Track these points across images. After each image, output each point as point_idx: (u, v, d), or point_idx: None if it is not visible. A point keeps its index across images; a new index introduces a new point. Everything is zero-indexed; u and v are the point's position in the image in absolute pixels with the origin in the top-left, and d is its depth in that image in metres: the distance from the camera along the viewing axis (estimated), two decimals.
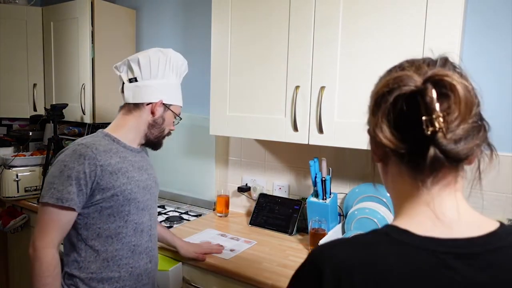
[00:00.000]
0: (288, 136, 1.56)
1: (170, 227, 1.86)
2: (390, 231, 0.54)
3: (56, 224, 1.09)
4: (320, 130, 1.47)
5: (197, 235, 1.74)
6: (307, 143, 1.51)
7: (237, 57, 1.67)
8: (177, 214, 2.08)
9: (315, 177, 1.65)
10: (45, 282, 1.07)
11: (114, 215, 1.15)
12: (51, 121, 2.33)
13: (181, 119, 1.31)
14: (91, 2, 2.23)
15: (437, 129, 0.47)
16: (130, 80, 1.22)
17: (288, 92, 1.54)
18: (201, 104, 2.22)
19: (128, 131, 1.23)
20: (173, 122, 1.29)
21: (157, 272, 1.36)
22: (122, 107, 1.27)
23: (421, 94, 0.49)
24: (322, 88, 1.45)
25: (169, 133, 1.30)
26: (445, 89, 0.48)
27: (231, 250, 1.57)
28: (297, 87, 1.51)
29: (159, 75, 1.22)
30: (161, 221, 1.94)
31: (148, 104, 1.22)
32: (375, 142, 0.56)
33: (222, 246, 1.58)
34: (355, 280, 0.50)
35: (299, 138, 1.53)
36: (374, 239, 0.55)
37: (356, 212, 1.56)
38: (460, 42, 1.23)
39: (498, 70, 1.45)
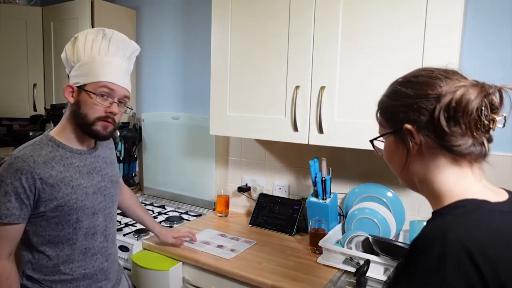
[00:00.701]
0: (288, 136, 1.56)
1: (170, 227, 1.86)
2: (479, 204, 0.62)
3: (2, 239, 1.05)
4: (320, 130, 1.47)
5: (197, 235, 1.74)
6: (307, 143, 1.51)
7: (237, 57, 1.67)
8: (177, 214, 2.08)
9: (315, 177, 1.65)
10: None
11: (62, 224, 1.11)
12: (51, 121, 2.33)
13: (103, 95, 1.09)
14: (91, 2, 2.22)
15: (494, 128, 0.64)
16: (68, 77, 1.15)
17: (288, 92, 1.54)
18: (201, 104, 2.22)
19: (68, 131, 1.14)
20: (98, 103, 1.08)
21: (117, 267, 1.32)
22: None
23: (491, 102, 0.63)
24: (322, 88, 1.45)
25: (105, 118, 1.10)
26: (501, 98, 0.64)
27: (232, 250, 1.57)
28: (297, 87, 1.51)
29: (68, 63, 1.14)
30: (161, 221, 1.94)
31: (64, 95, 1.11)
32: (442, 137, 0.64)
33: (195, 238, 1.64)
34: (492, 254, 0.56)
35: (299, 138, 1.53)
36: (482, 214, 0.61)
37: (356, 212, 1.56)
38: (460, 42, 1.23)
39: (498, 70, 1.45)
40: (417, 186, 0.73)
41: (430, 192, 0.70)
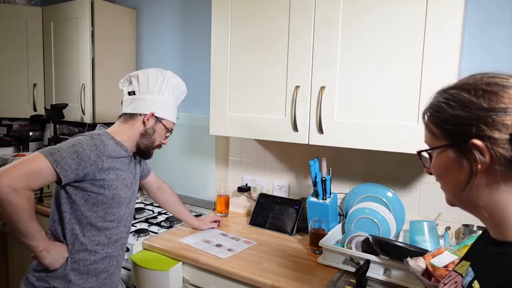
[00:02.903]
0: (288, 136, 1.56)
1: (171, 227, 1.86)
2: None
3: (42, 177, 1.14)
4: (320, 130, 1.47)
5: (197, 235, 1.74)
6: (307, 143, 1.51)
7: (237, 57, 1.67)
8: None
9: (315, 177, 1.65)
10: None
11: (97, 205, 1.27)
12: (51, 121, 2.33)
13: (171, 133, 1.42)
14: (91, 2, 2.23)
15: None
16: (129, 93, 1.36)
17: (288, 92, 1.54)
18: (201, 104, 2.22)
19: (124, 138, 1.34)
20: (165, 135, 1.40)
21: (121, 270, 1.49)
22: (119, 117, 1.39)
23: None
24: (322, 88, 1.45)
25: (159, 146, 1.41)
26: None
27: (229, 250, 1.57)
28: (297, 87, 1.51)
29: (155, 91, 1.34)
30: (161, 221, 1.94)
31: (141, 115, 1.34)
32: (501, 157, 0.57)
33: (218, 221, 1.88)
34: None
35: (299, 138, 1.53)
36: None
37: (356, 212, 1.56)
38: (460, 39, 1.23)
39: (499, 68, 1.45)
40: (479, 211, 0.62)
41: (500, 219, 0.60)
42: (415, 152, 0.73)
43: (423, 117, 0.69)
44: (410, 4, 1.27)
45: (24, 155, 2.37)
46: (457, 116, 0.60)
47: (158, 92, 1.35)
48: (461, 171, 0.61)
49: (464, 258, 0.73)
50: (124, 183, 1.33)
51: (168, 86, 1.36)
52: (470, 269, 0.66)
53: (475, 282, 0.62)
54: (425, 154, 0.68)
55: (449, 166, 0.63)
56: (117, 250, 1.37)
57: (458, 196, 0.64)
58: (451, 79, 1.23)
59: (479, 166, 0.58)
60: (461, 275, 0.68)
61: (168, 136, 1.42)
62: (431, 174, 0.69)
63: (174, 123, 1.41)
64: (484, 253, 0.66)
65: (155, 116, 1.34)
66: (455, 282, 0.69)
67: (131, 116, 1.35)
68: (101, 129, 1.35)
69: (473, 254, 0.71)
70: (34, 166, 1.13)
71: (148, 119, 1.33)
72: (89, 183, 1.23)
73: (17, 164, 1.12)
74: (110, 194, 1.28)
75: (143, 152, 1.38)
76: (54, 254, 1.23)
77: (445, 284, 0.71)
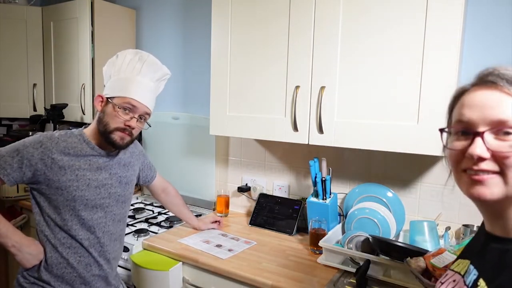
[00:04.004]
0: (288, 136, 1.55)
1: (171, 227, 1.86)
2: None
3: None
4: (320, 130, 1.47)
5: (198, 235, 1.74)
6: (307, 143, 1.51)
7: (237, 57, 1.67)
8: None
9: (315, 177, 1.65)
10: None
11: (59, 208, 1.21)
12: (51, 121, 2.33)
13: (125, 109, 1.21)
14: (91, 2, 2.22)
15: None
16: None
17: (288, 92, 1.54)
18: (201, 104, 2.22)
19: (89, 133, 1.27)
20: (123, 117, 1.20)
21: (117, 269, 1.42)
22: None
23: None
24: (322, 88, 1.45)
25: (124, 130, 1.22)
26: None
27: (229, 250, 1.57)
28: (297, 87, 1.51)
29: (113, 75, 1.26)
30: (161, 221, 1.94)
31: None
32: None
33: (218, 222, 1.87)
34: None
35: (299, 138, 1.53)
36: None
37: (356, 212, 1.56)
38: (460, 39, 1.23)
39: None
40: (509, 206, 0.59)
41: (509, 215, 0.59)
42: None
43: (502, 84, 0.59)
44: (410, 4, 1.27)
45: None
46: None
47: (115, 74, 1.24)
48: None
49: (461, 256, 0.72)
50: (89, 183, 1.23)
51: (124, 64, 1.24)
52: (471, 267, 0.65)
53: (481, 280, 0.61)
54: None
55: None
56: (93, 257, 1.27)
57: None
58: (452, 79, 1.23)
59: None
60: (459, 273, 0.68)
61: (132, 116, 1.22)
62: (481, 160, 0.57)
63: (133, 99, 1.21)
64: (486, 251, 0.64)
65: (106, 98, 1.22)
66: (454, 281, 0.68)
67: (97, 111, 1.28)
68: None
69: (471, 252, 0.70)
70: None
71: (97, 103, 1.24)
72: (45, 185, 1.19)
73: None
74: (70, 196, 1.20)
75: (105, 140, 1.23)
76: (25, 253, 1.20)
77: (442, 283, 0.70)
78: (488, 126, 0.57)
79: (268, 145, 2.01)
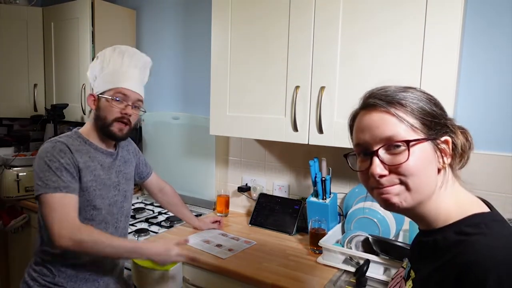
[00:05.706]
0: (288, 136, 1.56)
1: (171, 226, 1.86)
2: (494, 217, 0.62)
3: (67, 207, 1.15)
4: (320, 130, 1.47)
5: (198, 234, 1.74)
6: (307, 143, 1.51)
7: (237, 57, 1.67)
8: None
9: (315, 177, 1.65)
10: (104, 241, 1.16)
11: (81, 208, 1.22)
12: (51, 121, 2.34)
13: (118, 100, 1.25)
14: (92, 2, 2.23)
15: None
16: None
17: (288, 92, 1.54)
18: (201, 104, 2.22)
19: (93, 132, 1.30)
20: (118, 106, 1.25)
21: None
22: None
23: None
24: (322, 88, 1.45)
25: (121, 119, 1.26)
26: None
27: (229, 250, 1.58)
28: (297, 87, 1.51)
29: (97, 74, 1.29)
30: (161, 221, 1.95)
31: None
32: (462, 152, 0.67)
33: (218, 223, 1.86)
34: None
35: (299, 138, 1.53)
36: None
37: (356, 212, 1.56)
38: (460, 41, 1.23)
39: (498, 69, 1.45)
40: (426, 208, 0.65)
41: (435, 213, 0.65)
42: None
43: (389, 106, 0.66)
44: (410, 5, 1.27)
45: (24, 155, 2.38)
46: (434, 112, 0.65)
47: (100, 72, 1.28)
48: (433, 167, 0.64)
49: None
50: (105, 183, 1.29)
51: (106, 60, 1.28)
52: (407, 261, 0.77)
53: (411, 271, 0.71)
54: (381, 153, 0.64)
55: (427, 160, 0.63)
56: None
57: (429, 194, 0.64)
58: (451, 79, 1.23)
59: (444, 163, 0.64)
60: (404, 268, 0.79)
61: (127, 104, 1.26)
62: (382, 177, 0.64)
63: (123, 87, 1.25)
64: (415, 245, 0.74)
65: (97, 95, 1.27)
66: (400, 276, 0.78)
67: (91, 111, 1.32)
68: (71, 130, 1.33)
69: (411, 249, 0.78)
70: (55, 206, 1.13)
71: (90, 102, 1.29)
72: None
73: (48, 218, 1.13)
74: (91, 196, 1.24)
75: (106, 134, 1.28)
76: (158, 244, 1.30)
77: (392, 279, 0.80)
78: (379, 144, 0.64)
79: (268, 145, 2.02)
